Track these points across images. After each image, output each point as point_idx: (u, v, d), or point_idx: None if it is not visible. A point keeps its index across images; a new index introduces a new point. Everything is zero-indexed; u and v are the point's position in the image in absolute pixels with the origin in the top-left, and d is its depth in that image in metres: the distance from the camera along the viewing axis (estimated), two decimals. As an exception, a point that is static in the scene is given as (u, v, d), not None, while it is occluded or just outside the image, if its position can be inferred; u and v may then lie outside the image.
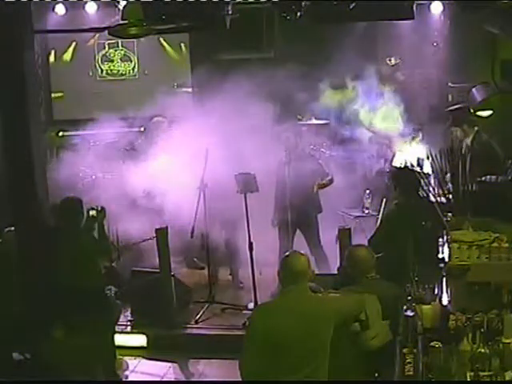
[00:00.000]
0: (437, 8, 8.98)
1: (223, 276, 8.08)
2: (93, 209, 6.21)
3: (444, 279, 4.53)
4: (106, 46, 10.03)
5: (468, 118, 7.87)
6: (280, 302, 4.20)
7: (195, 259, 8.52)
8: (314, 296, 4.27)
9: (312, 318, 4.04)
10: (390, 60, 8.90)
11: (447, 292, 4.45)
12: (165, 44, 9.84)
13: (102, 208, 6.26)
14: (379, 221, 7.17)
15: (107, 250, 6.55)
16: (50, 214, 6.39)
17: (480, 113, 7.89)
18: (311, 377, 3.99)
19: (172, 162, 7.41)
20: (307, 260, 4.25)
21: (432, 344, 3.86)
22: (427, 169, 6.85)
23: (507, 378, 3.66)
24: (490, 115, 7.84)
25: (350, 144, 8.62)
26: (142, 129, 9.22)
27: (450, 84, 8.87)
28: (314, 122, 9.02)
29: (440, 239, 4.87)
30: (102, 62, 10.07)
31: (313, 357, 4.01)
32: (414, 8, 7.90)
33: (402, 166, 7.22)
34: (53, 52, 10.00)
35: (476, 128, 7.75)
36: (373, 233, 6.21)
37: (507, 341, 3.81)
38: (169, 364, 6.57)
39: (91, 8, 9.48)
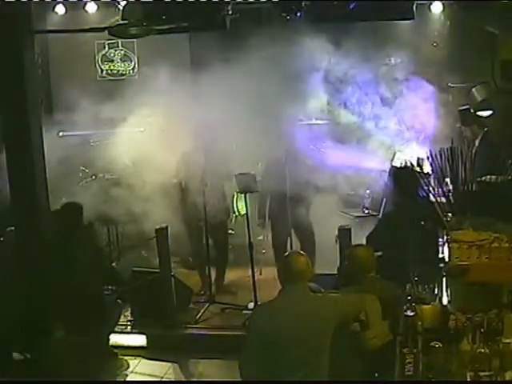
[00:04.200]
0: (437, 8, 8.98)
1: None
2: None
3: (444, 279, 4.52)
4: (106, 46, 10.03)
5: (478, 119, 7.87)
6: (280, 302, 4.20)
7: (190, 259, 8.52)
8: (314, 296, 4.27)
9: (312, 318, 4.04)
10: (390, 60, 8.88)
11: (447, 292, 4.44)
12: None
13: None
14: (379, 220, 7.17)
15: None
16: (51, 217, 6.43)
17: (480, 113, 7.89)
18: (311, 376, 3.99)
19: (170, 161, 7.44)
20: (307, 260, 4.25)
21: (432, 344, 3.86)
22: (427, 169, 6.85)
23: (507, 378, 3.66)
24: (490, 115, 7.84)
25: (350, 144, 8.61)
26: (142, 129, 9.21)
27: (449, 84, 8.86)
28: (314, 121, 9.02)
29: (440, 239, 4.87)
30: (102, 62, 10.07)
31: (313, 356, 4.01)
32: (414, 8, 7.90)
33: (402, 165, 7.22)
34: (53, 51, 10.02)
35: (486, 129, 7.75)
36: (371, 230, 6.20)
37: (507, 341, 3.80)
38: (169, 364, 6.57)
39: (91, 8, 9.48)
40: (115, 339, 6.71)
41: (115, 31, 7.48)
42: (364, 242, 5.91)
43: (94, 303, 6.12)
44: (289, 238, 7.61)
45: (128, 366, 6.52)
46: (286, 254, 4.38)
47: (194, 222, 7.67)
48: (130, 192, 7.68)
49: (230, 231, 8.41)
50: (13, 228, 6.48)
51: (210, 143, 7.32)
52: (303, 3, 7.49)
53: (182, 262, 8.48)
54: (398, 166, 7.47)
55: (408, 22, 8.44)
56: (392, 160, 8.20)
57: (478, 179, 5.51)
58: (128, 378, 6.38)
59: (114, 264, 8.32)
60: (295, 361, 3.99)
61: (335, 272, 5.87)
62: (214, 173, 7.40)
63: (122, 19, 7.65)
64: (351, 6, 7.50)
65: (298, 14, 7.50)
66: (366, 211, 8.21)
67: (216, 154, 7.37)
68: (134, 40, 9.59)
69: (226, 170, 7.51)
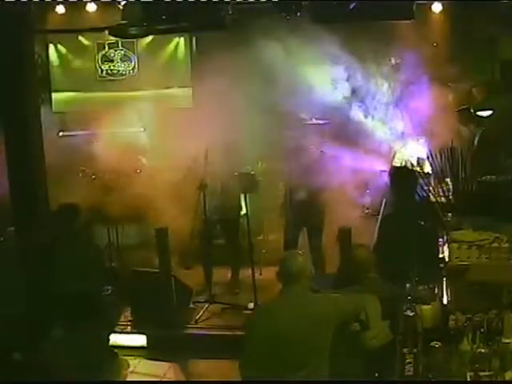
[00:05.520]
0: (437, 8, 8.98)
1: (223, 276, 8.08)
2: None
3: (444, 279, 4.52)
4: (106, 46, 10.04)
5: (475, 118, 7.88)
6: (280, 302, 4.20)
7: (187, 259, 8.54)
8: (314, 296, 4.27)
9: (312, 318, 4.03)
10: (390, 60, 8.89)
11: (447, 292, 4.44)
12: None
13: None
14: (379, 221, 7.16)
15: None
16: (49, 218, 6.45)
17: (480, 113, 7.90)
18: (311, 376, 3.98)
19: (171, 161, 7.45)
20: (305, 259, 4.25)
21: (432, 344, 3.86)
22: (427, 169, 6.86)
23: (507, 378, 3.66)
24: (490, 115, 7.85)
25: (350, 144, 8.62)
26: (142, 129, 9.24)
27: (449, 84, 8.87)
28: (315, 121, 9.03)
29: (440, 239, 4.87)
30: (102, 62, 10.07)
31: (313, 357, 4.01)
32: (414, 8, 7.90)
33: (402, 165, 7.22)
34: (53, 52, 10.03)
35: (483, 128, 7.76)
36: (375, 236, 6.18)
37: (507, 341, 3.80)
38: (169, 364, 6.57)
39: (91, 8, 9.49)
40: (115, 339, 6.71)
41: (115, 31, 7.49)
42: (364, 242, 5.91)
43: (93, 303, 6.11)
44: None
45: (128, 366, 6.51)
46: (285, 254, 4.37)
47: (202, 222, 7.67)
48: (130, 192, 7.68)
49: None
50: (13, 228, 6.48)
51: (210, 142, 7.32)
52: (303, 3, 7.49)
53: (180, 261, 8.49)
54: (398, 165, 7.47)
55: (408, 21, 8.43)
56: (392, 160, 8.21)
57: (478, 179, 5.51)
58: (128, 378, 6.38)
59: (113, 264, 8.35)
60: (295, 361, 3.99)
61: (335, 272, 5.87)
62: (214, 172, 7.41)
63: (122, 19, 7.65)
64: (351, 6, 7.49)
65: (298, 14, 7.49)
66: (366, 211, 8.21)
67: (221, 153, 7.37)
68: (134, 40, 9.60)
69: (227, 169, 7.51)
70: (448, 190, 5.34)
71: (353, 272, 4.88)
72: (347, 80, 8.50)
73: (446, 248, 4.54)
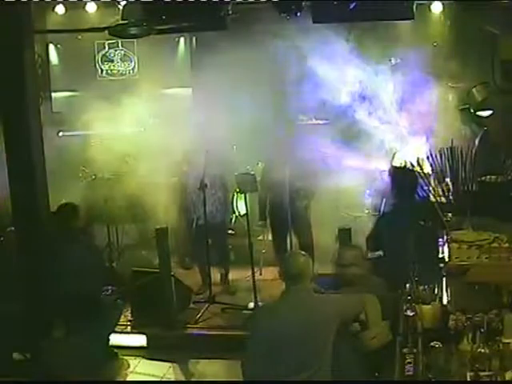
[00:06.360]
0: (437, 8, 8.99)
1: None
2: None
3: (444, 279, 4.52)
4: (106, 46, 10.04)
5: (477, 118, 7.88)
6: (282, 303, 4.21)
7: (186, 259, 8.54)
8: (315, 296, 4.27)
9: (314, 319, 4.04)
10: (390, 60, 8.88)
11: (447, 292, 4.44)
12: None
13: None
14: (377, 220, 7.16)
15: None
16: (49, 218, 6.45)
17: (480, 113, 7.89)
18: (313, 377, 3.98)
19: (170, 161, 7.46)
20: (307, 260, 4.25)
21: (432, 344, 3.86)
22: (427, 169, 6.85)
23: (507, 378, 3.66)
24: (490, 115, 7.85)
25: (350, 143, 8.62)
26: (143, 129, 9.23)
27: (449, 84, 8.86)
28: (314, 121, 9.03)
29: (440, 239, 4.87)
30: (102, 62, 10.07)
31: (315, 357, 4.01)
32: (414, 8, 7.89)
33: (402, 165, 7.21)
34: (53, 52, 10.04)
35: (485, 128, 7.76)
36: (370, 231, 6.20)
37: (507, 341, 3.80)
38: (169, 364, 6.57)
39: (91, 8, 9.50)
40: (115, 339, 6.71)
41: (115, 31, 7.49)
42: (364, 242, 5.91)
43: (93, 303, 6.12)
44: (288, 236, 7.63)
45: (128, 366, 6.51)
46: (287, 254, 4.38)
47: (194, 222, 7.69)
48: (129, 192, 7.69)
49: (230, 231, 8.43)
50: (13, 228, 6.48)
51: (210, 143, 7.32)
52: (303, 3, 7.48)
53: (179, 262, 8.49)
54: (398, 165, 7.47)
55: (408, 21, 8.43)
56: (392, 160, 8.20)
57: (478, 179, 5.51)
58: (128, 378, 6.38)
59: (114, 264, 8.35)
60: (297, 361, 3.99)
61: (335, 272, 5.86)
62: (214, 173, 7.41)
63: (122, 19, 7.65)
64: (351, 6, 7.49)
65: (298, 14, 7.48)
66: (366, 211, 8.20)
67: (216, 154, 7.38)
68: (134, 40, 9.60)
69: (227, 169, 7.53)
70: (448, 190, 5.33)
71: (352, 272, 4.89)
72: (347, 80, 8.48)
73: (446, 248, 4.53)
